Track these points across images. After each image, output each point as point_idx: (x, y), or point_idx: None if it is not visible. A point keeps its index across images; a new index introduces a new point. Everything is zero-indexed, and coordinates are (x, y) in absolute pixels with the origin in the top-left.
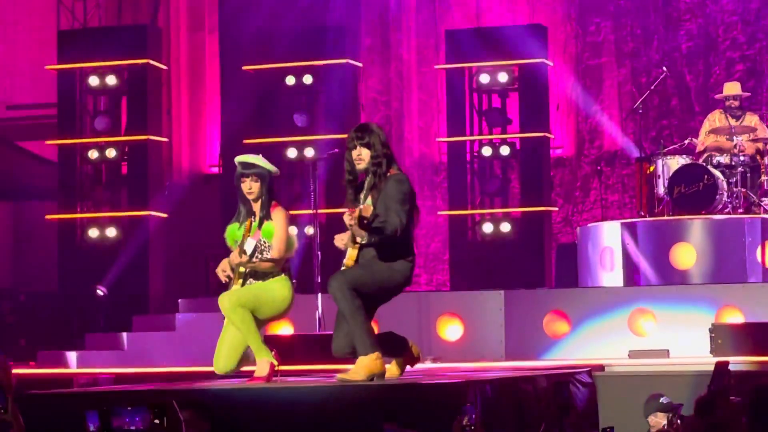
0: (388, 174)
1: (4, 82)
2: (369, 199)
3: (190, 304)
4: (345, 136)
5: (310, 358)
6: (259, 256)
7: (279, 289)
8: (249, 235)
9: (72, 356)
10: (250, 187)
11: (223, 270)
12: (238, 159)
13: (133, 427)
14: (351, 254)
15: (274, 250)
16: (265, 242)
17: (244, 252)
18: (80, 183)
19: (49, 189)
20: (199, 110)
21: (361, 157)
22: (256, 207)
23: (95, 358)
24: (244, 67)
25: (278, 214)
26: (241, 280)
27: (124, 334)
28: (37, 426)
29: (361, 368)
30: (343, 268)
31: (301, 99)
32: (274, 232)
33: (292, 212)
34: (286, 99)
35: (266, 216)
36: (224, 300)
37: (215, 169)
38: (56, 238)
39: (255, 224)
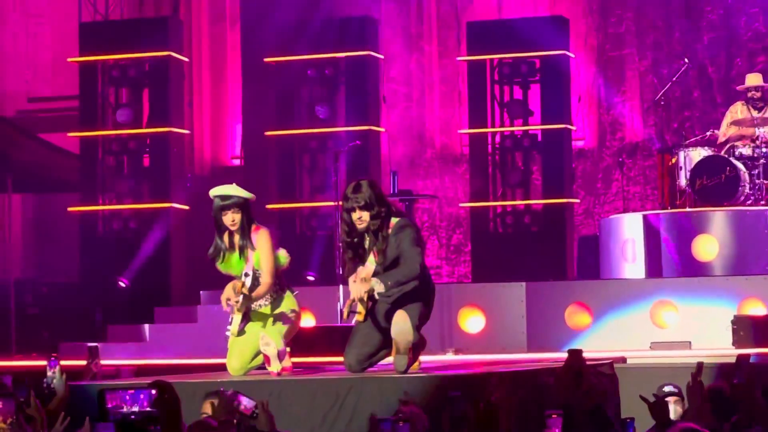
0: (390, 225)
1: (26, 75)
2: (371, 256)
3: (212, 296)
4: (367, 127)
5: (332, 349)
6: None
7: (289, 307)
8: (243, 291)
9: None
10: (233, 219)
11: (227, 299)
12: (214, 192)
13: (135, 407)
14: (360, 309)
15: (265, 274)
16: (258, 271)
17: (244, 292)
18: (102, 175)
19: (70, 181)
20: (221, 102)
21: (362, 219)
22: (237, 237)
23: (117, 350)
24: (266, 59)
25: (261, 238)
26: (240, 314)
27: (146, 326)
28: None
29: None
30: (354, 321)
31: (322, 91)
32: (261, 258)
33: (314, 204)
34: (308, 91)
35: (248, 244)
36: (269, 342)
37: (237, 161)
38: (78, 230)
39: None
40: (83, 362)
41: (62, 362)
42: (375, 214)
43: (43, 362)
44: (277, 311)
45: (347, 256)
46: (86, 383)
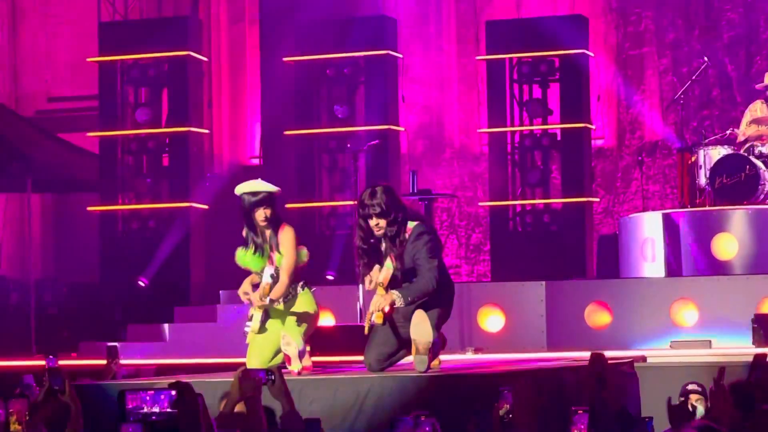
0: (407, 230)
1: (45, 75)
2: (389, 260)
3: (232, 296)
4: (386, 127)
5: (352, 348)
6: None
7: (306, 307)
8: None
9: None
10: (265, 215)
11: (245, 293)
12: (243, 189)
13: (155, 408)
14: (379, 315)
15: (283, 274)
16: (278, 269)
17: (266, 294)
18: (121, 175)
19: (90, 181)
20: (240, 102)
21: (379, 225)
22: (268, 232)
23: (137, 349)
24: (285, 59)
25: (286, 237)
26: (261, 311)
27: (166, 326)
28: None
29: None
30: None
31: (341, 90)
32: (283, 256)
33: (333, 203)
34: (327, 90)
35: (277, 242)
36: (290, 342)
37: (256, 161)
38: (98, 230)
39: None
40: (103, 362)
41: (80, 361)
42: (392, 221)
43: (63, 362)
44: (295, 309)
45: (363, 261)
46: (95, 383)
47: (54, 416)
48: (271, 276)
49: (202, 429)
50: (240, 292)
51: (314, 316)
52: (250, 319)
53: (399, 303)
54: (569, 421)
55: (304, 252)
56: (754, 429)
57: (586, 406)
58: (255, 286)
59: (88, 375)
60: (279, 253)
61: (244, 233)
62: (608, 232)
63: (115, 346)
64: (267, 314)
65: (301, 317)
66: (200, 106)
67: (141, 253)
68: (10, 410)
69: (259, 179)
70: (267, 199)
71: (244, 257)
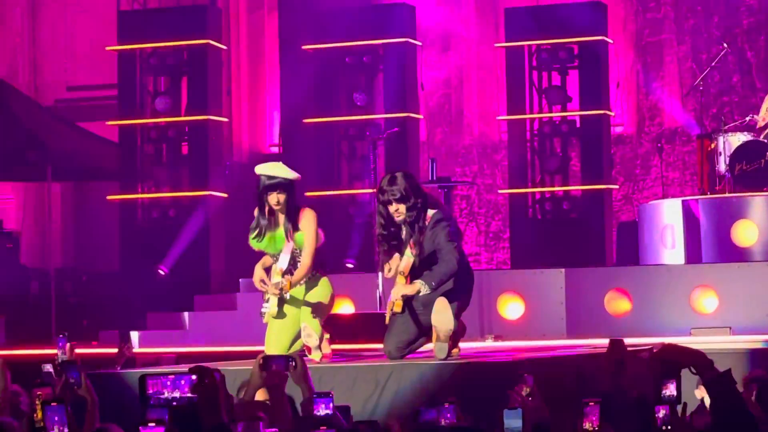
0: (427, 218)
1: (64, 64)
2: (409, 250)
3: (252, 284)
4: (405, 114)
5: (371, 336)
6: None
7: (324, 291)
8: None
9: (134, 336)
10: (278, 199)
11: (261, 280)
12: (261, 171)
13: (176, 393)
14: (398, 303)
15: (305, 256)
16: (297, 251)
17: (282, 282)
18: (141, 163)
19: (109, 169)
20: (259, 90)
21: (399, 211)
22: (282, 218)
23: (157, 338)
24: (304, 47)
25: (307, 219)
26: (276, 298)
27: (186, 314)
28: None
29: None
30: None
31: (360, 78)
32: (304, 239)
33: (352, 191)
34: (346, 78)
35: (294, 225)
36: (311, 333)
37: (275, 149)
38: (118, 219)
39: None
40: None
41: (99, 350)
42: (411, 206)
43: (83, 350)
44: (311, 297)
45: (383, 248)
46: (115, 371)
47: (71, 410)
48: (288, 272)
49: (223, 413)
50: (255, 280)
51: (330, 302)
52: (267, 301)
53: (424, 291)
54: (581, 412)
55: (320, 234)
56: None
57: (605, 392)
58: (267, 270)
59: (107, 364)
60: (293, 239)
61: (255, 213)
62: (628, 219)
63: (127, 332)
64: (283, 298)
65: (318, 307)
66: (219, 94)
67: (161, 241)
68: (39, 393)
69: (281, 162)
70: (282, 185)
71: (257, 242)
